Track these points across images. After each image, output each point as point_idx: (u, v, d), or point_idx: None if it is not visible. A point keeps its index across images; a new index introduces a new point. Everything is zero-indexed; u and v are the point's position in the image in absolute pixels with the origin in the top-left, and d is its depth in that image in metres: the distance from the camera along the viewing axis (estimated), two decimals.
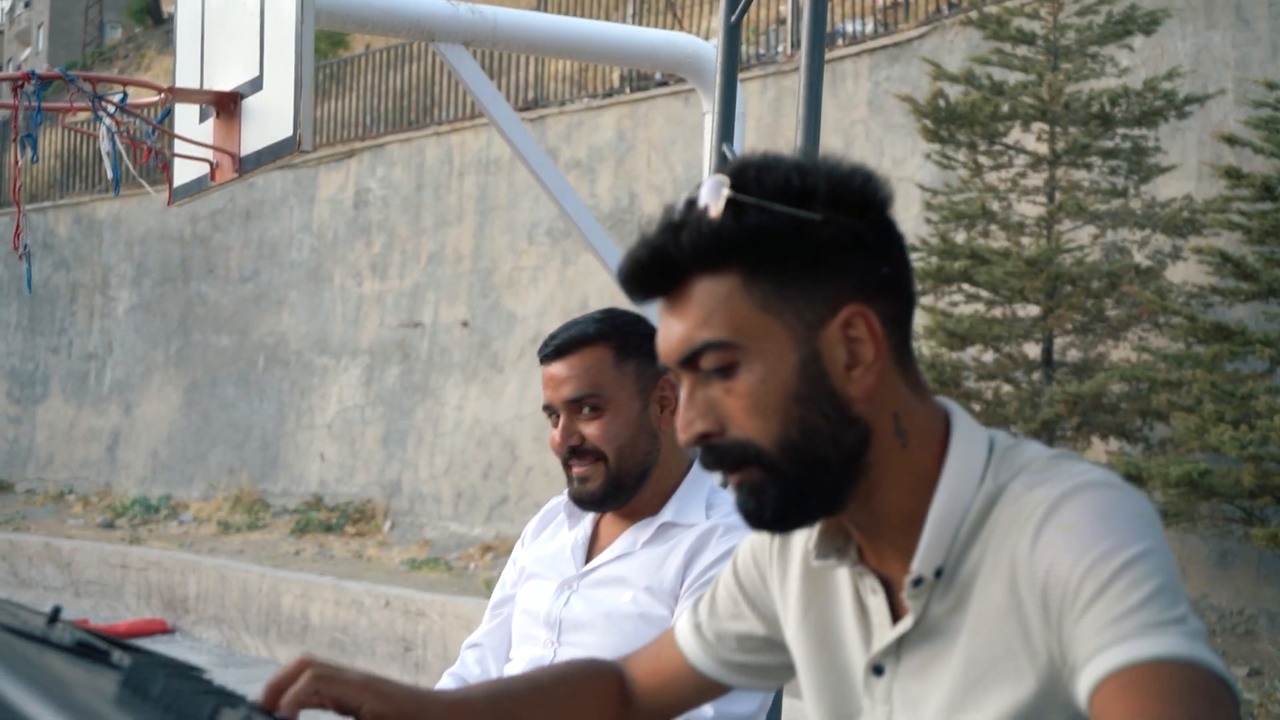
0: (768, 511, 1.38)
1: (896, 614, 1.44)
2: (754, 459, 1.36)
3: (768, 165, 1.35)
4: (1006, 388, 9.07)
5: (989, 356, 9.20)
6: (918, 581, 1.37)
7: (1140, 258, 8.97)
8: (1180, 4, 9.58)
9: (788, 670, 1.67)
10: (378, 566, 13.23)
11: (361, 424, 15.53)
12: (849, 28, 12.87)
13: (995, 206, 9.21)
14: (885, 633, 1.43)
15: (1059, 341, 9.20)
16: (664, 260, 1.36)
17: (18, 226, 4.03)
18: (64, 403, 19.69)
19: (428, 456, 14.70)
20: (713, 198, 1.33)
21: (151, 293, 18.64)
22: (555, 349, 2.56)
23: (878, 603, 1.45)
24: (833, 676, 1.51)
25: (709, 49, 5.15)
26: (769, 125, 12.32)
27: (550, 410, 2.56)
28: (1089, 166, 9.08)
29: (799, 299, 1.35)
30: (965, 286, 9.09)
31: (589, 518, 2.65)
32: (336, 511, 15.30)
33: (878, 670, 1.44)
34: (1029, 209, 9.32)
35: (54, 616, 1.36)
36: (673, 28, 13.78)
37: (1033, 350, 9.22)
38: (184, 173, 4.62)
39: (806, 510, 1.40)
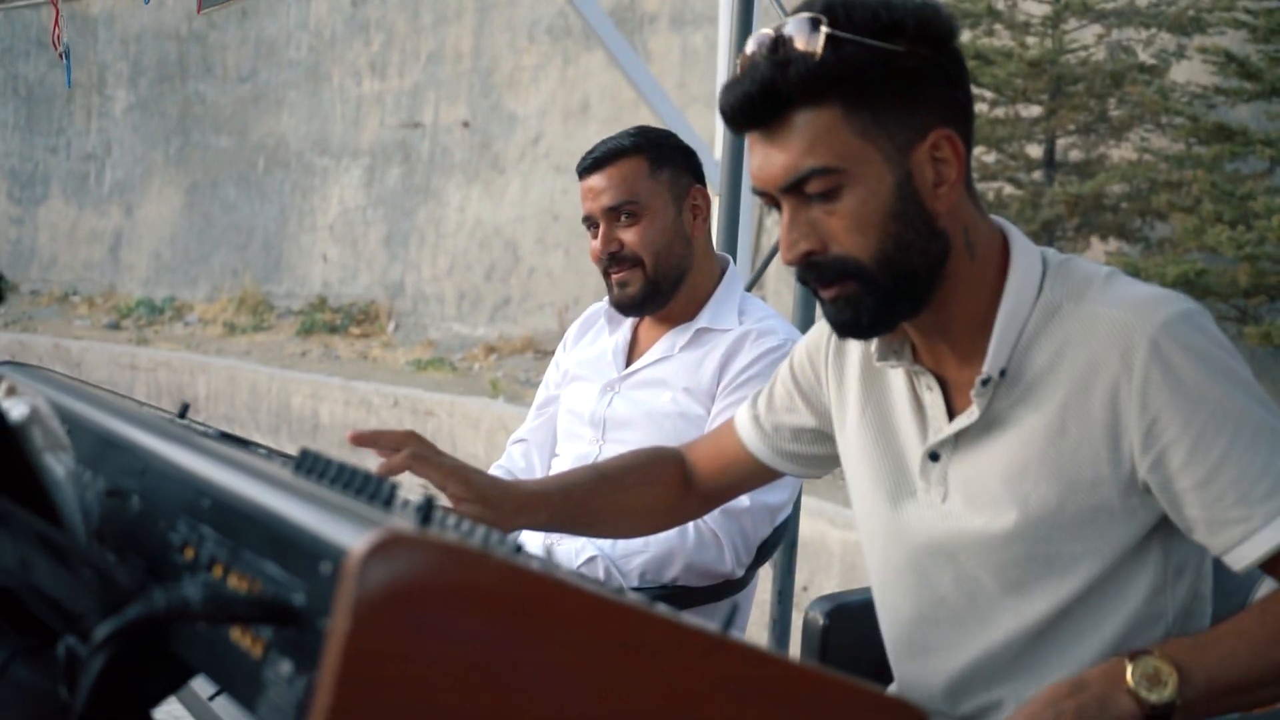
0: (864, 319, 1.54)
1: (950, 408, 1.62)
2: (853, 273, 1.51)
3: (853, 2, 1.47)
4: (1009, 188, 9.15)
5: (991, 157, 9.26)
6: (986, 381, 1.55)
7: (1145, 57, 8.97)
8: None
9: (832, 460, 1.87)
10: (383, 367, 13.39)
11: (363, 225, 15.55)
12: None
13: (1000, 5, 9.18)
14: (942, 424, 1.62)
15: (1061, 142, 9.25)
16: (770, 94, 1.48)
17: (56, 19, 4.07)
18: (65, 203, 19.65)
19: (430, 257, 14.76)
20: (812, 34, 1.45)
21: (149, 92, 18.47)
22: (593, 161, 2.67)
23: (933, 398, 1.63)
24: (889, 461, 1.69)
25: None
26: None
27: (590, 221, 2.68)
28: None
29: (893, 125, 1.49)
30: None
31: (628, 323, 2.80)
32: (340, 313, 15.39)
33: (934, 456, 1.63)
34: (1034, 8, 9.28)
35: (183, 412, 1.47)
36: None
37: (1035, 151, 9.28)
38: None
39: (895, 317, 1.57)
